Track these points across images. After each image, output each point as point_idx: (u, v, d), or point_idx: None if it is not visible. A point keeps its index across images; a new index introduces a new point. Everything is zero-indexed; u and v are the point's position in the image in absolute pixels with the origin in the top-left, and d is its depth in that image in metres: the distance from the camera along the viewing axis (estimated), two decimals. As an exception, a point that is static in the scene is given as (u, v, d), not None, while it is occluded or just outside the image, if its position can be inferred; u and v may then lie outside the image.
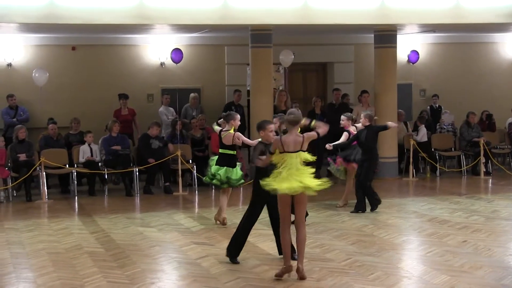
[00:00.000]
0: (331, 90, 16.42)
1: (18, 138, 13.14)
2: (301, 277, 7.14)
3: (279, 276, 7.20)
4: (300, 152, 7.24)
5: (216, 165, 9.93)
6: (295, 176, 7.14)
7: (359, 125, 11.27)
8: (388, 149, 14.92)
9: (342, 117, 11.40)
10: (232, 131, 9.81)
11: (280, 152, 7.21)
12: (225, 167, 9.87)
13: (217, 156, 10.09)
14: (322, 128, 7.52)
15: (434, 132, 16.12)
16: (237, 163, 10.13)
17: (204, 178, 10.49)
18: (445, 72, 17.84)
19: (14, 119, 14.50)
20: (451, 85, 17.74)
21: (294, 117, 7.33)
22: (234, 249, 7.91)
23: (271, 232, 9.54)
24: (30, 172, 12.65)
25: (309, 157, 7.26)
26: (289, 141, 7.21)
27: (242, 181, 10.20)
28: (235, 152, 10.02)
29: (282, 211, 7.30)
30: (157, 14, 13.01)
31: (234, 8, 13.30)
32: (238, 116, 9.95)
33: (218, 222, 10.19)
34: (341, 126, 11.36)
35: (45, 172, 12.92)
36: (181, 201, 12.67)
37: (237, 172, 9.97)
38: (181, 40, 16.03)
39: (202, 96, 16.05)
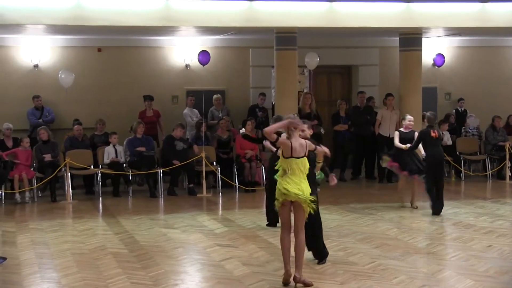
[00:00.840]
0: (356, 93, 16.36)
1: (41, 139, 13.27)
2: (303, 283, 6.95)
3: (285, 282, 7.04)
4: (305, 158, 7.09)
5: None
6: (296, 182, 6.98)
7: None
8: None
9: (409, 117, 11.73)
10: None
11: (286, 157, 7.07)
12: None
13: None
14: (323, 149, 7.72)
15: (459, 136, 15.99)
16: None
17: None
18: (471, 75, 17.69)
19: (40, 120, 14.64)
20: (477, 89, 17.59)
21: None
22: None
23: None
24: (55, 172, 12.76)
25: (307, 164, 7.10)
26: (295, 146, 7.05)
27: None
28: None
29: (281, 216, 7.20)
30: (183, 16, 13.06)
31: (259, 10, 13.31)
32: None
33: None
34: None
35: (70, 173, 13.03)
36: (205, 202, 12.69)
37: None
38: (206, 42, 16.08)
39: (226, 98, 16.08)
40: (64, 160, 12.98)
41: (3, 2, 12.17)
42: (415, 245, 8.88)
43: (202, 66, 15.75)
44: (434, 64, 17.20)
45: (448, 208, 11.65)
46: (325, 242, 8.99)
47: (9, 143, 13.51)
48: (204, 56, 15.26)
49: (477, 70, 17.69)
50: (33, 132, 14.41)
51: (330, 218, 10.78)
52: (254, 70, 16.57)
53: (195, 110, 15.39)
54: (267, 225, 10.12)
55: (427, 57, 16.55)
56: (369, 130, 15.13)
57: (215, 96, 15.61)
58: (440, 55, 16.97)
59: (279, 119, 9.94)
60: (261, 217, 10.89)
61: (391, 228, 9.93)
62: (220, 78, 16.40)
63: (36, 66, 15.50)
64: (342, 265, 7.81)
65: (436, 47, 17.03)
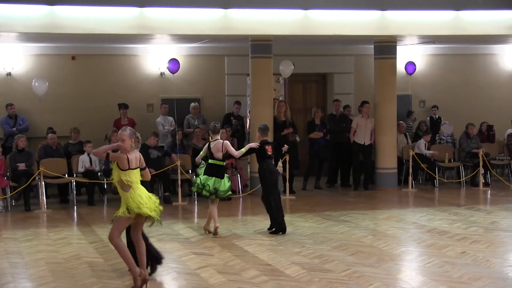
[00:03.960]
0: (331, 101, 16.45)
1: (18, 147, 13.14)
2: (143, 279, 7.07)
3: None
4: (138, 169, 7.15)
5: (204, 174, 10.07)
6: (145, 194, 7.12)
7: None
8: (387, 160, 14.94)
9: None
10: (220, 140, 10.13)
11: (124, 170, 7.05)
12: (213, 178, 10.01)
13: (205, 166, 10.13)
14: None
15: (433, 143, 16.13)
16: (225, 175, 10.26)
17: (192, 187, 10.58)
18: (445, 83, 17.88)
19: (14, 129, 14.50)
20: (451, 96, 17.78)
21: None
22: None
23: (271, 242, 9.59)
24: (29, 181, 12.63)
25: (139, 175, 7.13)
26: (131, 159, 7.09)
27: (230, 192, 10.31)
28: (224, 163, 10.15)
29: (123, 224, 7.20)
30: (157, 24, 13.05)
31: (234, 18, 13.34)
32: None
33: (207, 232, 10.20)
34: None
35: (44, 182, 12.92)
36: (180, 211, 12.65)
37: (225, 184, 10.08)
38: (181, 50, 16.06)
39: (202, 106, 16.06)
40: (38, 169, 12.87)
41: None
42: (390, 252, 8.92)
43: (174, 74, 15.69)
44: (407, 72, 17.35)
45: (423, 215, 11.74)
46: (300, 249, 9.03)
47: (-17, 152, 13.35)
48: (173, 64, 15.15)
49: (451, 77, 17.89)
50: (7, 141, 14.25)
51: (305, 226, 10.81)
52: (229, 78, 16.59)
53: (170, 118, 15.35)
54: (272, 232, 10.19)
55: (402, 65, 16.70)
56: (345, 138, 15.20)
57: (192, 104, 15.57)
58: (411, 63, 17.10)
59: (266, 128, 10.18)
60: (237, 225, 10.91)
61: (366, 236, 9.97)
62: (195, 86, 16.39)
63: (9, 74, 15.37)
64: (318, 273, 7.83)
65: (410, 55, 17.19)
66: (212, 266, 8.21)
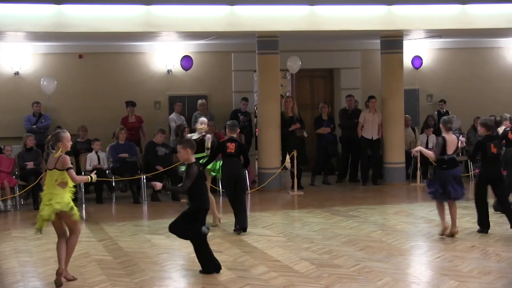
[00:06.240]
0: (339, 96, 16.42)
1: (26, 146, 13.18)
2: (67, 279, 7.43)
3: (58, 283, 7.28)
4: (55, 170, 7.42)
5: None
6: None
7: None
8: (395, 154, 14.92)
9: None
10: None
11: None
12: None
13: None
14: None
15: (441, 137, 16.02)
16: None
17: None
18: (452, 77, 17.81)
19: (34, 126, 14.52)
20: (458, 90, 17.70)
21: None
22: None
23: (279, 238, 9.60)
24: (38, 180, 12.66)
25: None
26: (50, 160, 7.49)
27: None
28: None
29: (54, 227, 7.64)
30: (164, 21, 13.06)
31: (241, 15, 13.34)
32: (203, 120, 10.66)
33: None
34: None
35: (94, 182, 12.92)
36: (188, 208, 12.65)
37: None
38: (187, 48, 16.06)
39: (209, 103, 16.05)
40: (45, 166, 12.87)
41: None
42: (399, 247, 8.91)
43: (184, 71, 15.72)
44: (413, 66, 17.30)
45: (432, 209, 11.67)
46: (309, 245, 9.03)
47: (-9, 151, 13.41)
48: (186, 61, 15.25)
49: (458, 71, 17.81)
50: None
51: (314, 221, 10.81)
52: (236, 74, 16.58)
53: (182, 116, 15.34)
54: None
55: (408, 59, 16.65)
56: (357, 133, 15.15)
57: (199, 101, 15.58)
58: (418, 57, 17.04)
59: (234, 125, 10.14)
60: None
61: (375, 230, 9.97)
62: (202, 83, 16.39)
63: (17, 73, 15.40)
64: (327, 268, 7.83)
65: (417, 49, 17.13)
66: (221, 262, 8.19)
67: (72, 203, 7.43)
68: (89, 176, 7.85)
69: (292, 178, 14.00)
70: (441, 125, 9.70)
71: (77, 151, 14.07)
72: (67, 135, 7.68)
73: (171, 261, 8.46)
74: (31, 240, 9.88)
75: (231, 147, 10.05)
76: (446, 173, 9.36)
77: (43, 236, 10.08)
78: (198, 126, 10.55)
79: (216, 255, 8.62)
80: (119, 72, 15.96)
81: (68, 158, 7.51)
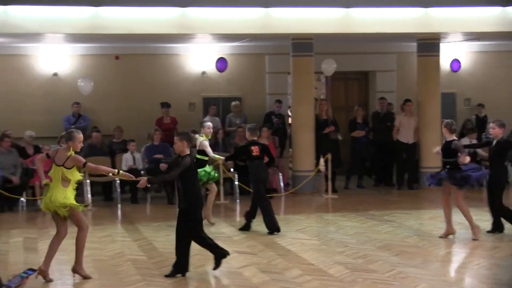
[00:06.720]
0: (374, 99, 16.29)
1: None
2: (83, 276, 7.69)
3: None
4: (62, 167, 7.61)
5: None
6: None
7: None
8: (433, 159, 14.70)
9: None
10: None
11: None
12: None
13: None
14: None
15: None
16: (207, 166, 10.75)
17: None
18: (490, 80, 17.55)
19: (73, 126, 14.68)
20: (497, 94, 17.43)
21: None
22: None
23: (313, 241, 9.57)
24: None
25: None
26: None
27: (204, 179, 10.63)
28: (207, 158, 10.71)
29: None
30: (199, 23, 13.11)
31: (275, 17, 13.33)
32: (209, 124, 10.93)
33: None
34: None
35: (89, 180, 13.07)
36: (222, 209, 12.68)
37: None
38: (222, 49, 16.10)
39: (243, 105, 16.08)
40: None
41: (23, 12, 12.28)
42: (435, 253, 8.81)
43: (219, 73, 15.76)
44: (451, 70, 17.10)
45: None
46: (343, 249, 8.97)
47: (30, 151, 13.61)
48: (221, 63, 15.30)
49: (497, 75, 17.54)
50: None
51: (348, 225, 10.75)
52: (270, 76, 16.56)
53: (217, 119, 15.38)
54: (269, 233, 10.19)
55: (446, 62, 16.46)
56: (389, 136, 15.03)
57: (233, 103, 15.61)
58: (456, 60, 16.84)
59: (255, 128, 10.52)
60: (279, 224, 10.87)
61: (410, 236, 9.86)
62: (236, 85, 16.42)
63: (55, 74, 15.60)
64: (362, 273, 7.77)
65: (454, 52, 16.93)
66: (255, 265, 8.21)
67: (69, 202, 7.64)
68: (116, 170, 8.06)
69: (326, 181, 13.94)
70: (444, 129, 9.75)
71: (113, 152, 14.20)
72: (79, 136, 7.84)
73: (205, 262, 8.46)
74: (67, 239, 9.90)
75: (256, 150, 10.25)
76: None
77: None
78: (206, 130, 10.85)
79: (249, 257, 8.65)
80: (154, 74, 16.06)
81: (80, 157, 7.78)
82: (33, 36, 13.44)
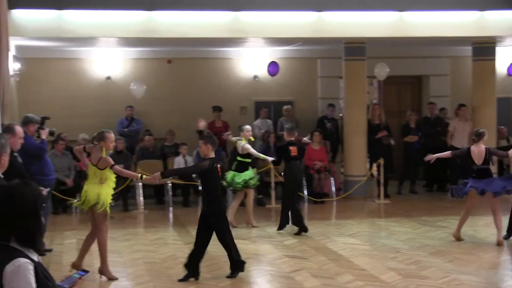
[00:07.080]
0: (427, 104, 16.07)
1: (116, 149, 13.49)
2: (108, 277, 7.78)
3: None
4: (96, 167, 7.85)
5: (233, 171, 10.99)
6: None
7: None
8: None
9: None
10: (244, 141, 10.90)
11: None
12: (233, 173, 10.89)
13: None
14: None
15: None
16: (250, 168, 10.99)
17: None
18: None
19: (125, 129, 14.90)
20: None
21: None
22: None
23: (365, 246, 9.47)
24: (127, 182, 12.96)
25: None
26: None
27: (240, 185, 10.82)
28: (250, 160, 10.96)
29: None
30: (251, 27, 13.13)
31: (328, 21, 13.26)
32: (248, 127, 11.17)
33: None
34: None
35: (142, 183, 13.20)
36: (274, 213, 12.64)
37: (240, 176, 10.77)
38: (274, 53, 16.11)
39: (294, 109, 16.04)
40: (136, 170, 13.17)
41: (77, 16, 12.51)
42: (490, 260, 8.62)
43: (271, 77, 15.77)
44: (508, 74, 16.73)
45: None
46: (395, 255, 8.86)
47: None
48: (273, 67, 15.31)
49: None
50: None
51: (401, 231, 10.61)
52: (322, 80, 16.50)
53: (269, 121, 15.40)
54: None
55: (502, 66, 16.12)
56: (440, 141, 14.79)
57: (285, 107, 15.58)
58: (513, 64, 16.50)
59: (292, 128, 10.73)
60: (330, 229, 10.80)
61: (464, 242, 9.67)
62: (288, 89, 16.40)
63: (108, 78, 15.83)
64: (414, 279, 7.65)
65: (510, 56, 16.57)
66: (306, 269, 8.17)
67: (103, 199, 7.84)
68: (139, 174, 8.19)
69: (378, 186, 13.80)
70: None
71: (165, 155, 14.33)
72: (111, 135, 7.98)
73: (256, 266, 8.47)
74: (120, 241, 10.12)
75: (294, 150, 10.49)
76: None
77: (132, 238, 10.38)
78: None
79: (301, 261, 8.61)
80: (206, 77, 16.16)
81: (109, 158, 7.93)
82: (86, 40, 13.67)
